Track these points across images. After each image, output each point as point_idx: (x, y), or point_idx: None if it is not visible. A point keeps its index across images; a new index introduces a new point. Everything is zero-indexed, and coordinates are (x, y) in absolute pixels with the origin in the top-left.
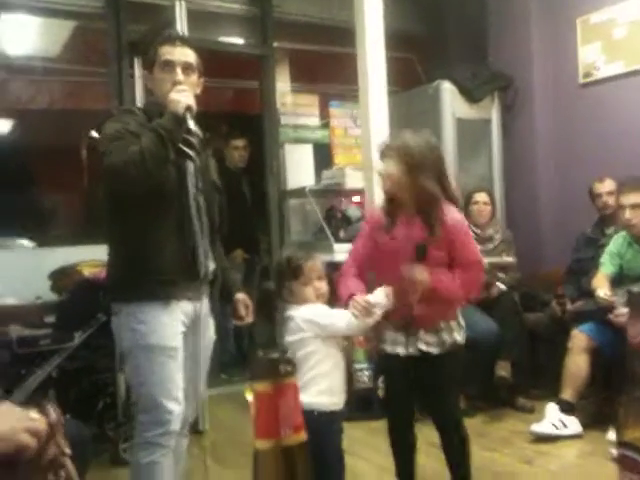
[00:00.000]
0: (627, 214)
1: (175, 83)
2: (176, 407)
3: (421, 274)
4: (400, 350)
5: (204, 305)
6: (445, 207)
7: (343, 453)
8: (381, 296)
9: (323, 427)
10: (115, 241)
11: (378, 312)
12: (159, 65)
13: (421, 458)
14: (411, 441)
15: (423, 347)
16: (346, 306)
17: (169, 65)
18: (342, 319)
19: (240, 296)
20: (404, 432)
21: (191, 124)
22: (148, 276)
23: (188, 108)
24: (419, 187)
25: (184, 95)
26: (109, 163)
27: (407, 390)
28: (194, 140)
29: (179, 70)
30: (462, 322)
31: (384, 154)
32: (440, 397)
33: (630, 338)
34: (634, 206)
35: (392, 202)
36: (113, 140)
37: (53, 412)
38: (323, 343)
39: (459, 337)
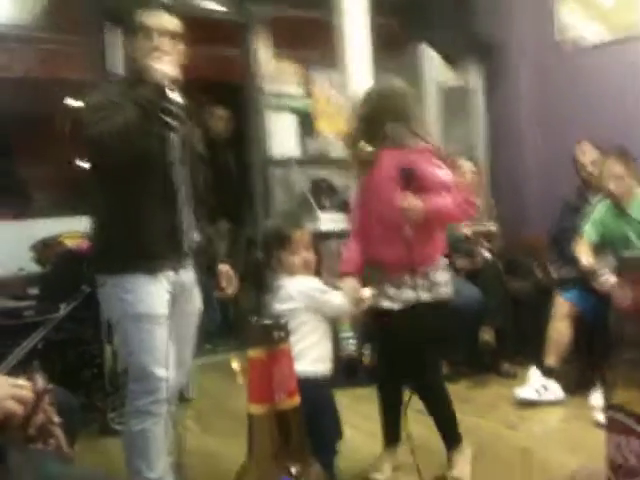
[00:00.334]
0: (611, 185)
1: (158, 51)
2: (166, 374)
3: (412, 201)
4: (385, 303)
5: (189, 275)
6: (403, 144)
7: (340, 418)
8: (369, 293)
9: (320, 393)
10: (99, 213)
11: (365, 305)
12: (142, 33)
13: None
14: (397, 399)
15: (386, 303)
16: (341, 276)
17: (152, 33)
18: (337, 300)
19: (223, 267)
20: (389, 389)
21: (174, 95)
22: (132, 248)
23: (171, 79)
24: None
25: (167, 65)
26: (92, 134)
27: (389, 346)
28: (177, 111)
29: (163, 39)
30: (439, 279)
31: None
32: (411, 356)
33: (617, 302)
34: (618, 177)
35: None
36: (96, 111)
37: (40, 380)
38: (313, 314)
39: (426, 295)
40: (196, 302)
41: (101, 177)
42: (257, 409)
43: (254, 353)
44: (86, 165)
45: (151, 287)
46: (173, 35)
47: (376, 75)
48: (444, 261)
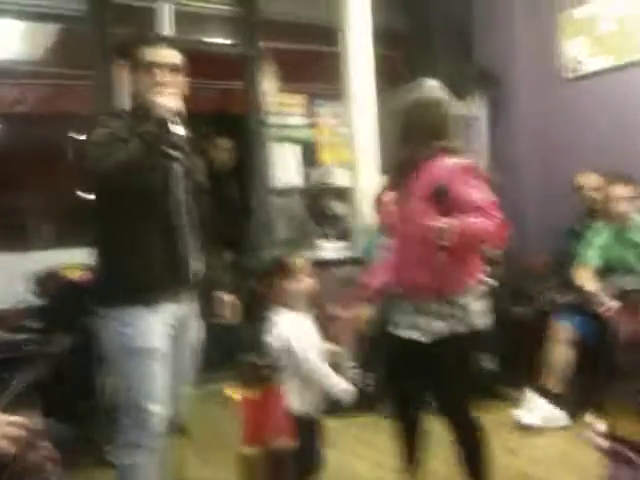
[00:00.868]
0: (623, 206)
1: (160, 85)
2: (159, 409)
3: (446, 222)
4: (390, 328)
5: (190, 306)
6: (437, 160)
7: (317, 461)
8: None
9: (304, 432)
10: (102, 245)
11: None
12: (143, 67)
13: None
14: (415, 425)
15: (407, 333)
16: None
17: (153, 67)
18: (316, 367)
19: (224, 295)
20: (405, 413)
21: (177, 128)
22: (133, 280)
23: (174, 112)
24: (401, 149)
25: (170, 99)
26: (97, 170)
27: (408, 372)
28: (179, 143)
29: (164, 72)
30: (472, 307)
31: None
32: (438, 387)
33: (621, 334)
34: (626, 199)
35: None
36: (100, 146)
37: (35, 418)
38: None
39: (441, 328)
40: (196, 333)
41: (104, 209)
42: (251, 449)
43: (247, 393)
44: (89, 197)
45: (151, 320)
46: (174, 68)
47: (380, 106)
48: (479, 288)
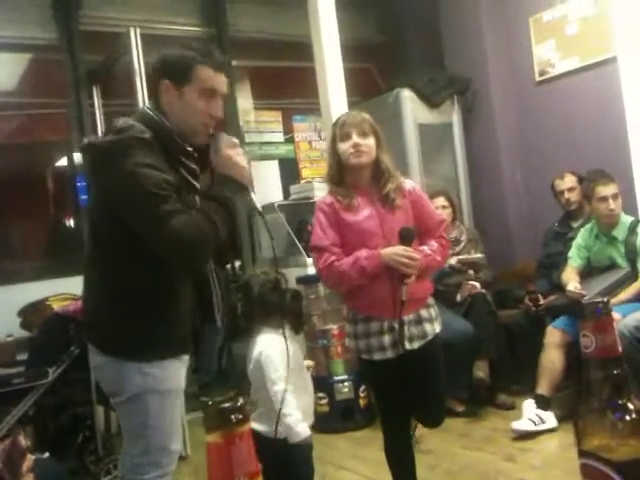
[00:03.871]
0: (610, 204)
1: (213, 117)
2: (179, 447)
3: (414, 255)
4: (389, 354)
5: None
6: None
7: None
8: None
9: (297, 453)
10: (122, 295)
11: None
12: (199, 89)
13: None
14: (409, 450)
15: (407, 346)
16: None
17: (213, 95)
18: (277, 398)
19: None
20: (403, 440)
21: (253, 196)
22: (168, 335)
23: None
24: (383, 161)
25: (244, 159)
26: (175, 235)
27: (401, 392)
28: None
29: (221, 104)
30: (436, 309)
31: (362, 128)
32: (432, 388)
33: (583, 348)
34: (614, 196)
35: (347, 180)
36: (163, 200)
37: (22, 441)
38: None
39: (438, 327)
40: None
41: (131, 258)
42: None
43: (212, 437)
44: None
45: (179, 362)
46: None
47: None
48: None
